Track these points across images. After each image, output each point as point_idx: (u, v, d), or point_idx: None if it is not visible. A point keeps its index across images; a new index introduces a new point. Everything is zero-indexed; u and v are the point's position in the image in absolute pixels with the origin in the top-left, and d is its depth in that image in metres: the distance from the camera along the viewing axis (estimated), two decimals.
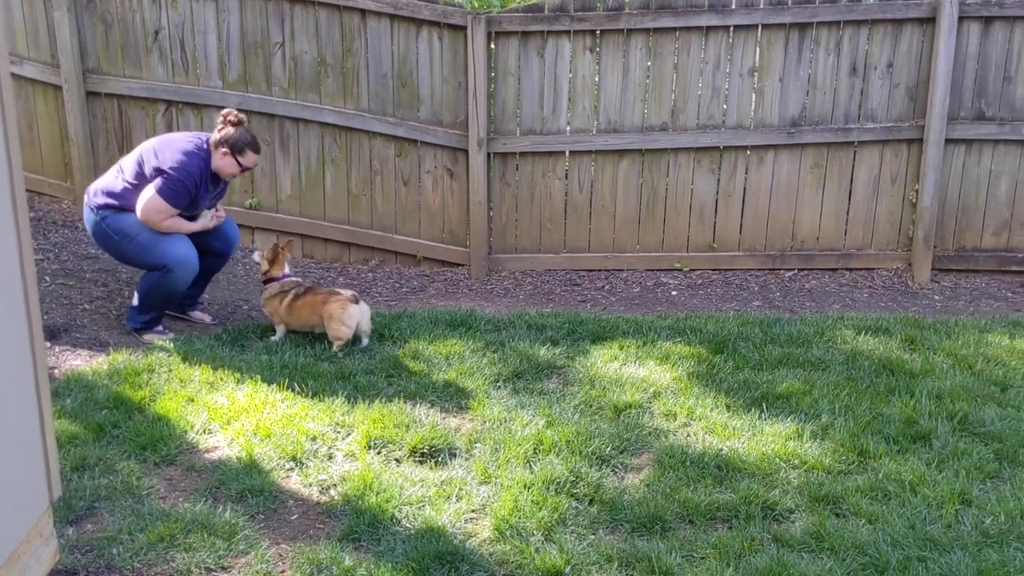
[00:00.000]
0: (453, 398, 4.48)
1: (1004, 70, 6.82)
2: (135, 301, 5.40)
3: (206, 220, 5.38)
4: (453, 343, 5.25)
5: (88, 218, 5.32)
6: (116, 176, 5.25)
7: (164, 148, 5.20)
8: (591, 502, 3.50)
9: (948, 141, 6.89)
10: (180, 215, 5.24)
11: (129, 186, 5.18)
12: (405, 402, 4.38)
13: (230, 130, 5.19)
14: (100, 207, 5.22)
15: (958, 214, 7.10)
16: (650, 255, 7.25)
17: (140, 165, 5.19)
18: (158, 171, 5.10)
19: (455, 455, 3.88)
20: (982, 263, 7.14)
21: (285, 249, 5.54)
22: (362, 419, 4.13)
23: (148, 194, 5.09)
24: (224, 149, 5.19)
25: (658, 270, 7.25)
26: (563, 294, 6.88)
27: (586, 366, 4.96)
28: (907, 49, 6.84)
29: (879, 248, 7.21)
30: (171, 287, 5.29)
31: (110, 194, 5.21)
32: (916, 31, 6.81)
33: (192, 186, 5.14)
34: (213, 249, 5.57)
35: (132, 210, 5.15)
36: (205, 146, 5.24)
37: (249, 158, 5.25)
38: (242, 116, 5.26)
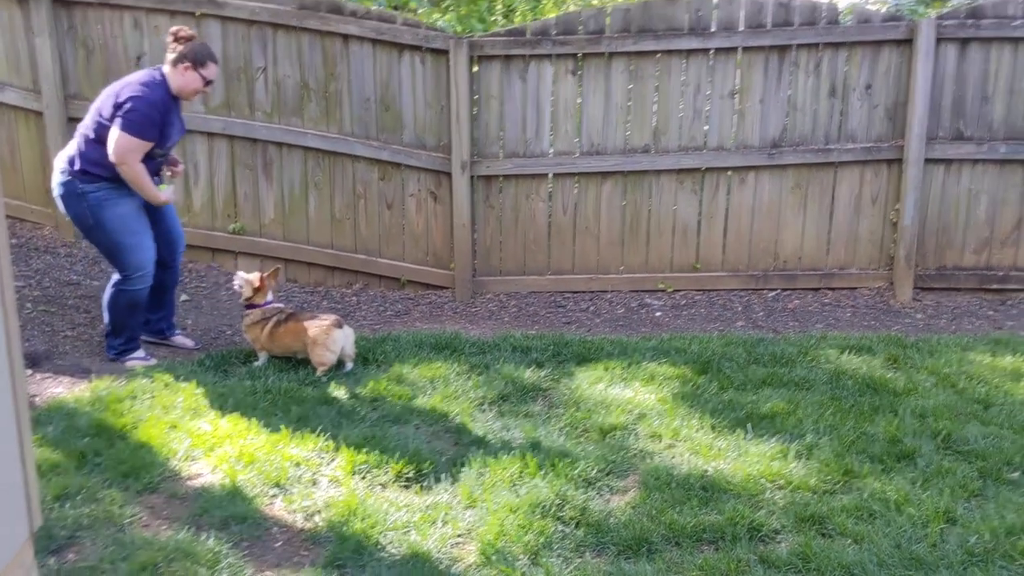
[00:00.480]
0: (438, 421, 4.46)
1: (982, 90, 6.90)
2: (107, 327, 5.37)
3: (168, 193, 5.28)
4: (438, 366, 5.24)
5: (65, 187, 5.13)
6: (84, 138, 5.07)
7: (118, 88, 5.03)
8: (577, 525, 3.49)
9: (928, 161, 6.95)
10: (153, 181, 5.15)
11: (100, 141, 5.00)
12: (390, 426, 4.36)
13: (185, 45, 5.07)
14: (81, 176, 5.06)
15: (939, 233, 7.15)
16: (634, 276, 7.27)
17: (100, 114, 5.03)
18: (118, 107, 4.95)
19: (440, 479, 3.86)
20: (963, 281, 7.19)
21: (270, 276, 5.47)
22: (346, 444, 4.11)
23: (115, 135, 4.92)
24: (185, 64, 5.05)
25: (642, 291, 7.27)
26: (548, 316, 6.89)
27: (571, 388, 4.96)
28: (885, 70, 6.92)
29: (861, 267, 7.25)
30: (130, 298, 5.24)
31: (89, 160, 5.04)
32: (894, 53, 6.89)
33: (157, 115, 5.00)
34: (160, 259, 5.39)
35: (113, 182, 5.04)
36: (160, 76, 5.10)
37: (211, 69, 5.13)
38: (192, 31, 5.15)
